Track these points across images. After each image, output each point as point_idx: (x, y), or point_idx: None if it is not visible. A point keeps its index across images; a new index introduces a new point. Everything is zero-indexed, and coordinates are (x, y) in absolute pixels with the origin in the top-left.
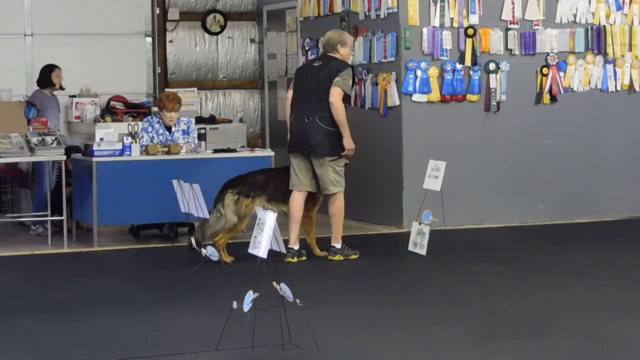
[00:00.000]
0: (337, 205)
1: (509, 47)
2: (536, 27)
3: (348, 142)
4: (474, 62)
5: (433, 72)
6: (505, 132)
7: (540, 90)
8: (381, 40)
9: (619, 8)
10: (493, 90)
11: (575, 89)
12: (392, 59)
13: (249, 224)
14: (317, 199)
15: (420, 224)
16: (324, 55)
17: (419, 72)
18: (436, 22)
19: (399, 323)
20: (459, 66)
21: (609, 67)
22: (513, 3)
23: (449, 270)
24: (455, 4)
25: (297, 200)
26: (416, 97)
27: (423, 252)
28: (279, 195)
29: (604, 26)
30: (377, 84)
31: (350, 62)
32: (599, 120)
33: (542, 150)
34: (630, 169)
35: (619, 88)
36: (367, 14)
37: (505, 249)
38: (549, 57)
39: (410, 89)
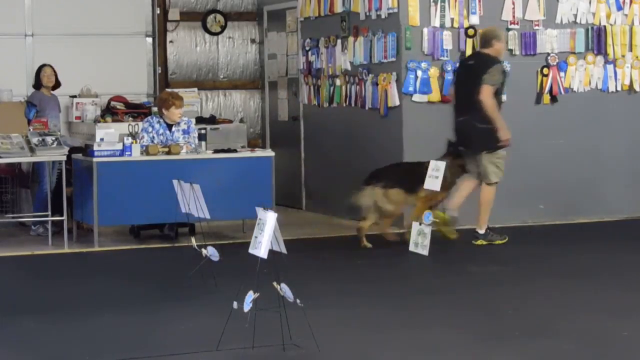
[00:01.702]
0: (486, 195)
1: (509, 47)
2: (536, 27)
3: (503, 133)
4: None
5: (433, 72)
6: None
7: (541, 90)
8: (382, 41)
9: (620, 8)
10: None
11: (575, 89)
12: (393, 59)
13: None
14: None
15: (420, 224)
16: (477, 53)
17: (419, 73)
18: (437, 22)
19: (400, 324)
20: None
21: (610, 67)
22: (513, 3)
23: (450, 271)
24: (456, 4)
25: (467, 184)
26: (417, 98)
27: (424, 252)
28: (412, 188)
29: (605, 26)
30: (377, 84)
31: (502, 57)
32: (600, 121)
33: (543, 150)
34: (630, 169)
35: (619, 88)
36: (367, 14)
37: (506, 249)
38: (549, 58)
39: (411, 89)
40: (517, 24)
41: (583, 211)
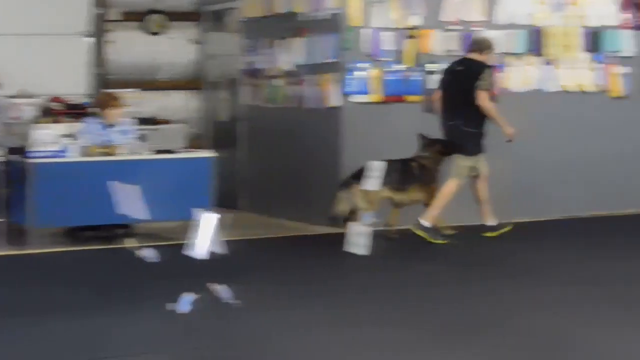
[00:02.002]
0: (447, 190)
1: (449, 48)
2: (476, 28)
3: (508, 130)
4: (415, 63)
5: (374, 73)
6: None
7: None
8: (322, 41)
9: (558, 9)
10: (434, 91)
11: (515, 89)
12: (334, 59)
13: None
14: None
15: (359, 224)
16: (466, 59)
17: (359, 73)
18: (377, 23)
19: (344, 324)
20: (399, 67)
21: (548, 68)
22: (454, 4)
23: (395, 271)
24: (397, 5)
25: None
26: (357, 98)
27: (363, 252)
28: (399, 184)
29: (543, 27)
30: (317, 84)
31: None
32: (539, 121)
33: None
34: (564, 168)
35: (557, 89)
36: (309, 14)
37: (451, 248)
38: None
39: (351, 89)
40: (458, 24)
41: (523, 211)
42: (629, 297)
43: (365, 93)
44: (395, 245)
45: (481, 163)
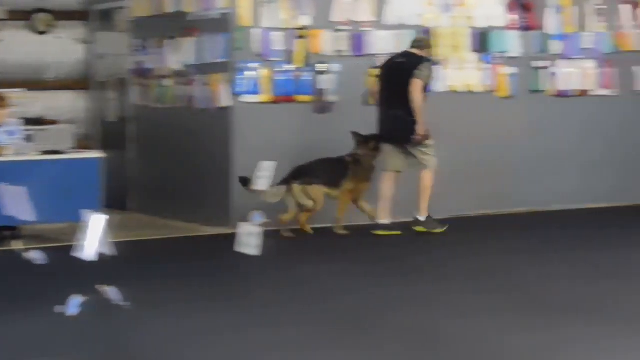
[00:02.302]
0: (425, 181)
1: (339, 48)
2: (366, 28)
3: (420, 129)
4: (305, 63)
5: (264, 72)
6: (336, 132)
7: (370, 91)
8: (212, 41)
9: (446, 10)
10: (323, 91)
11: None
12: (224, 59)
13: None
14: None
15: (249, 225)
16: (407, 52)
17: (250, 73)
18: (267, 23)
19: (230, 326)
20: (289, 67)
21: (436, 68)
22: (343, 5)
23: (282, 271)
24: (287, 5)
25: (387, 180)
26: (247, 98)
27: (253, 252)
28: (334, 181)
29: (432, 28)
30: (207, 84)
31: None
32: (426, 121)
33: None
34: (452, 169)
35: (445, 89)
36: (198, 14)
37: (341, 248)
38: (378, 58)
39: (241, 89)
40: (347, 25)
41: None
42: (510, 290)
43: (256, 93)
44: (285, 244)
45: (427, 152)
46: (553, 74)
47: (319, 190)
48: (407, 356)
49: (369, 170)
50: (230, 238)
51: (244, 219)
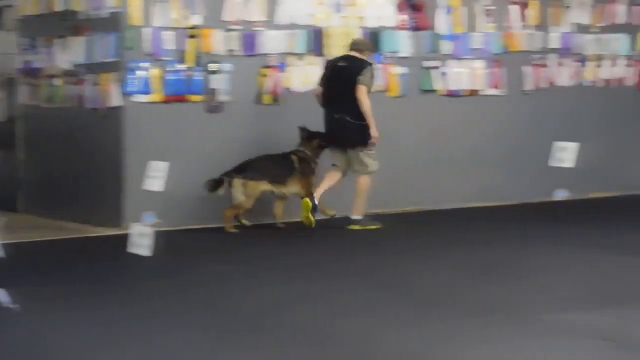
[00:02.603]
0: (364, 184)
1: (230, 47)
2: (257, 28)
3: (374, 132)
4: (196, 63)
5: (155, 72)
6: (228, 132)
7: (262, 90)
8: (103, 40)
9: (337, 11)
10: (215, 90)
11: (295, 89)
12: (114, 59)
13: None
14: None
15: (141, 225)
16: (348, 56)
17: (140, 73)
18: (158, 22)
19: (122, 325)
20: (181, 66)
21: (376, 69)
22: (235, 4)
23: (174, 271)
24: (178, 5)
25: (333, 175)
26: (138, 98)
27: (145, 252)
28: (279, 178)
29: (323, 28)
30: (98, 84)
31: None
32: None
33: (266, 150)
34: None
35: None
36: (88, 13)
37: (231, 248)
38: (270, 58)
39: (132, 89)
40: (239, 24)
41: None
42: (396, 286)
43: (147, 93)
44: (177, 244)
45: (369, 156)
46: (444, 73)
47: (257, 188)
48: (304, 355)
49: (312, 165)
50: (123, 239)
51: (137, 219)
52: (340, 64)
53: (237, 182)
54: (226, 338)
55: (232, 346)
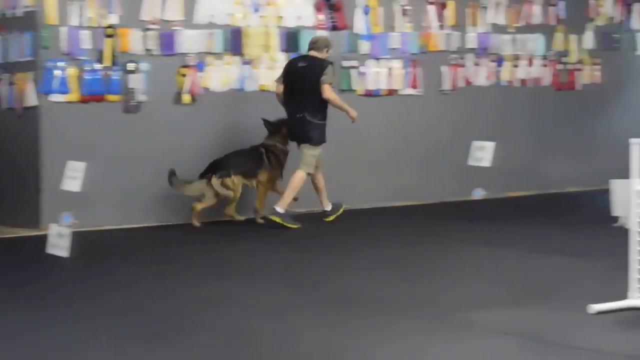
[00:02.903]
0: (298, 180)
1: (148, 47)
2: (175, 27)
3: (353, 113)
4: (114, 62)
5: (72, 71)
6: (146, 131)
7: (180, 90)
8: (18, 39)
9: (256, 10)
10: (133, 90)
11: (214, 89)
12: (30, 58)
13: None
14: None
15: (59, 225)
16: (308, 56)
17: (57, 72)
18: (75, 21)
19: (38, 328)
20: (98, 66)
21: (247, 67)
22: (152, 3)
23: (93, 272)
24: (94, 4)
25: (298, 177)
26: (55, 97)
27: (63, 253)
28: (251, 172)
29: (241, 28)
30: (14, 83)
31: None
32: (238, 120)
33: (184, 151)
34: None
35: (256, 88)
36: (3, 11)
37: (149, 249)
38: (188, 58)
39: (49, 88)
40: (157, 24)
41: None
42: (316, 285)
43: (64, 92)
44: (96, 245)
45: (312, 156)
46: (362, 73)
47: (237, 180)
48: (222, 356)
49: (281, 155)
50: (42, 240)
51: (55, 220)
52: (300, 64)
53: (215, 182)
54: (144, 340)
55: (150, 348)
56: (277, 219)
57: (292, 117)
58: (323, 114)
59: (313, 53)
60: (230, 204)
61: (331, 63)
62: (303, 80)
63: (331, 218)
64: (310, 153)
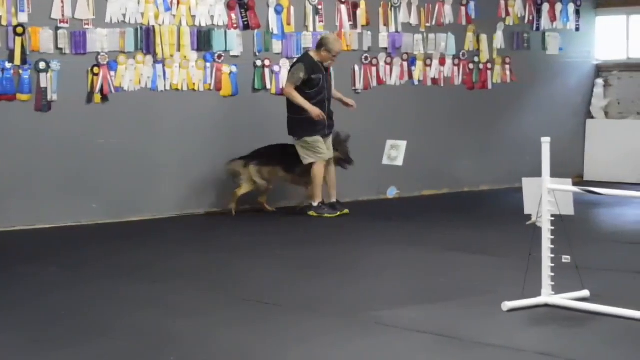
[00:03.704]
0: (314, 172)
1: (59, 46)
2: (87, 26)
3: (313, 112)
4: (24, 61)
5: None
6: (58, 131)
7: (92, 89)
8: None
9: (168, 9)
10: (44, 89)
11: (126, 88)
12: None
13: None
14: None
15: None
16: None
17: None
18: None
19: None
20: (8, 65)
21: (159, 66)
22: (63, 2)
23: (4, 276)
24: (4, 2)
25: (315, 169)
26: None
27: None
28: (291, 165)
29: (153, 26)
30: None
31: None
32: (150, 119)
33: (95, 150)
34: (178, 167)
35: (168, 87)
36: None
37: (61, 249)
38: (99, 57)
39: None
40: (67, 22)
41: (135, 210)
42: (226, 286)
43: None
44: (3, 247)
45: (304, 148)
46: (275, 72)
47: (273, 172)
48: (137, 358)
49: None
50: None
51: None
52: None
53: (253, 169)
54: (58, 346)
55: (63, 351)
56: (314, 213)
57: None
58: (294, 108)
59: (310, 52)
60: (262, 194)
61: (300, 62)
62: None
63: (312, 213)
64: (300, 146)
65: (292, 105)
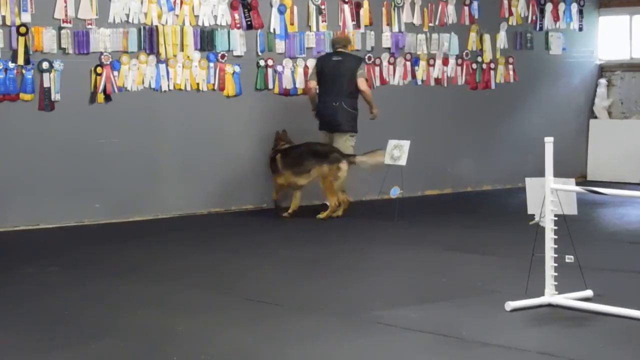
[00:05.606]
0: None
1: (62, 46)
2: (89, 26)
3: (376, 109)
4: (27, 61)
5: None
6: (61, 131)
7: (95, 89)
8: None
9: (171, 9)
10: (47, 89)
11: (129, 88)
12: None
13: None
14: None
15: None
16: (340, 52)
17: None
18: None
19: None
20: (11, 65)
21: (162, 66)
22: (66, 2)
23: (2, 273)
24: (7, 2)
25: None
26: None
27: None
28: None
29: (156, 26)
30: None
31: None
32: (153, 119)
33: (98, 150)
34: (181, 167)
35: (171, 87)
36: None
37: (63, 249)
38: (102, 56)
39: None
40: (70, 22)
41: (138, 210)
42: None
43: None
44: (6, 246)
45: (352, 143)
46: (279, 72)
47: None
48: (141, 357)
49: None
50: None
51: None
52: (334, 59)
53: (359, 159)
54: (58, 342)
55: (64, 351)
56: (325, 216)
57: (329, 106)
58: (355, 104)
59: (342, 50)
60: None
61: (362, 59)
62: (340, 73)
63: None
64: (349, 140)
65: (354, 100)
